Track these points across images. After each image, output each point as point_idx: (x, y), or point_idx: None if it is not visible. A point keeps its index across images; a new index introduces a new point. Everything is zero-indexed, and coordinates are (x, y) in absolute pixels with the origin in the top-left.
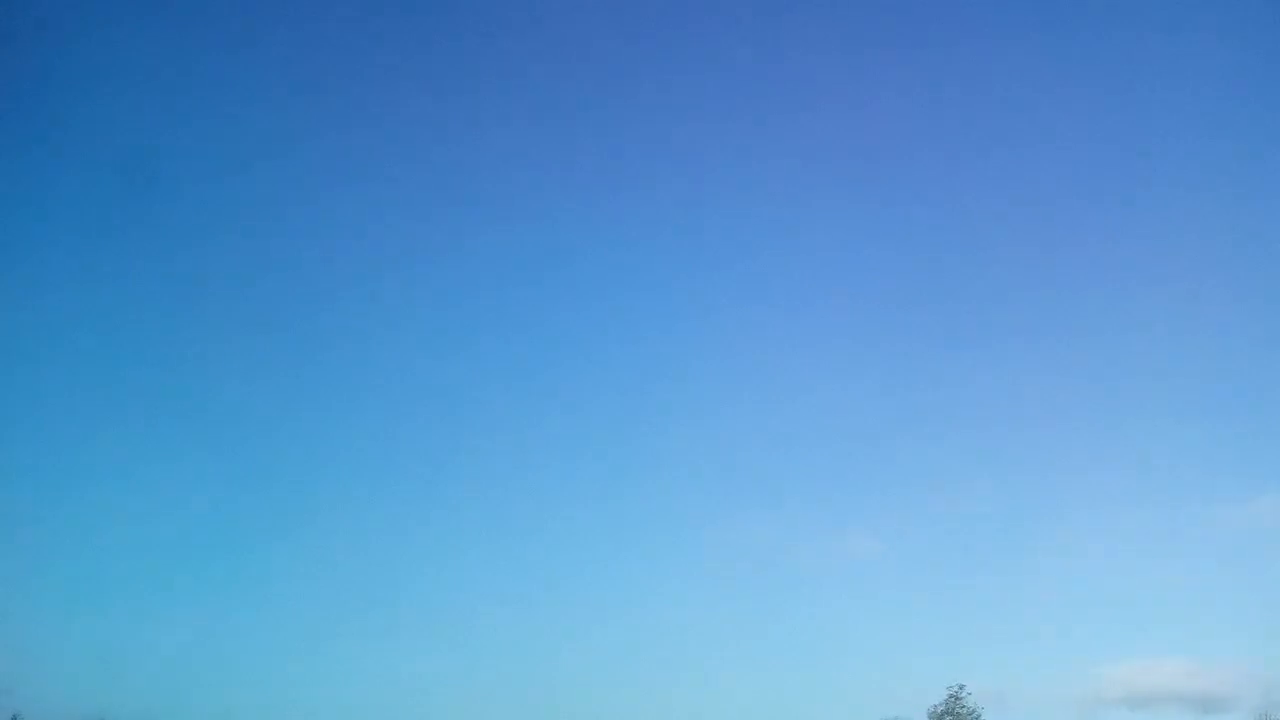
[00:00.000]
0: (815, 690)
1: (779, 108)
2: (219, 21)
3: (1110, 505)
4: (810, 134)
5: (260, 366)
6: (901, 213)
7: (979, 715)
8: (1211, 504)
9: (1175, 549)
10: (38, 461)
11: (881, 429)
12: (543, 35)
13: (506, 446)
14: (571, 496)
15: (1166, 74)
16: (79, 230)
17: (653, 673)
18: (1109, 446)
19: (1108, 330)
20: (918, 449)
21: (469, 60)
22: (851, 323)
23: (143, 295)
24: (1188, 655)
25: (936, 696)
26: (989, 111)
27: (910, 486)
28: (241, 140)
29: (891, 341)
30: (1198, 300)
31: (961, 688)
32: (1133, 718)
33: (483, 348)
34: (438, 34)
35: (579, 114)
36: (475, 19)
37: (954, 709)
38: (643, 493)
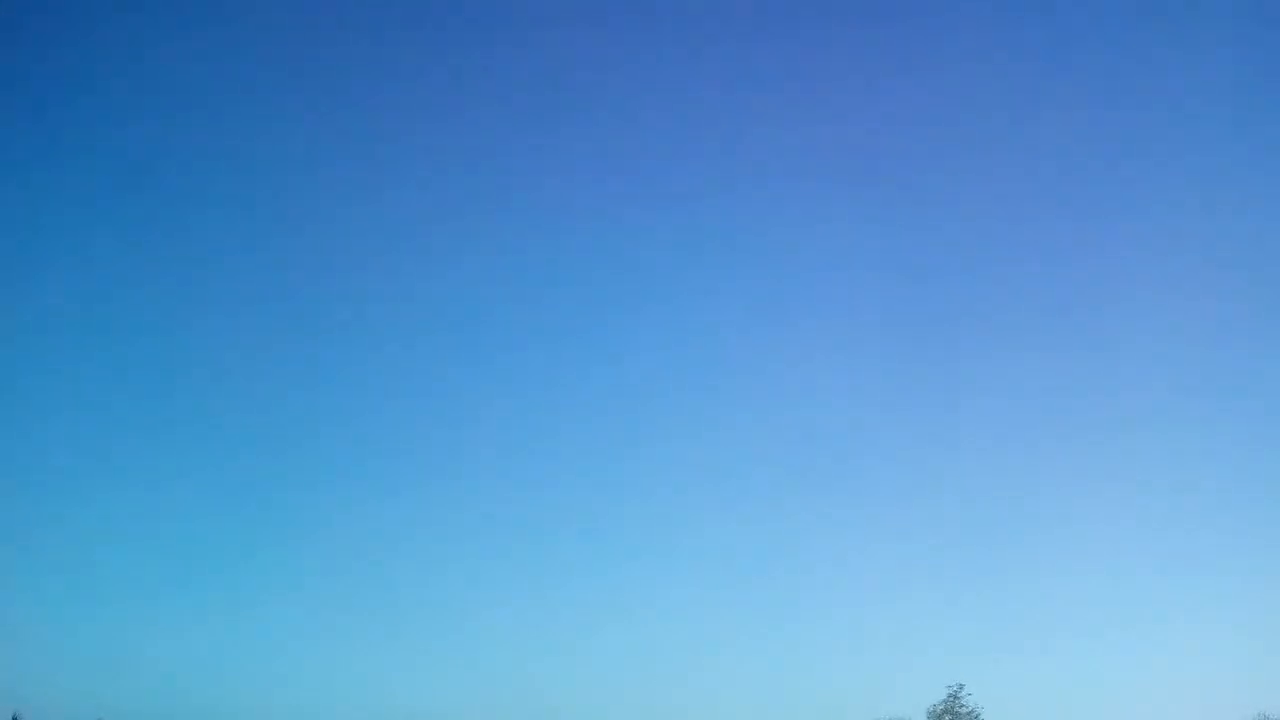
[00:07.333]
0: (815, 689)
1: (782, 114)
2: (221, 22)
3: (1112, 507)
4: (815, 140)
5: (262, 370)
6: (910, 218)
7: (978, 714)
8: (1215, 506)
9: (1178, 552)
10: (38, 462)
11: (883, 430)
12: (549, 39)
13: (508, 450)
14: (570, 500)
15: (1172, 77)
16: (85, 232)
17: (652, 673)
18: (1113, 449)
19: (1113, 335)
20: (920, 451)
21: (477, 60)
22: (852, 324)
23: (143, 297)
24: (1188, 657)
25: (936, 696)
26: (994, 118)
27: (912, 488)
28: (242, 142)
29: (895, 344)
30: (1203, 305)
31: (961, 687)
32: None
33: (483, 352)
34: (444, 33)
35: (586, 120)
36: (484, 20)
37: (953, 708)
38: (642, 495)
